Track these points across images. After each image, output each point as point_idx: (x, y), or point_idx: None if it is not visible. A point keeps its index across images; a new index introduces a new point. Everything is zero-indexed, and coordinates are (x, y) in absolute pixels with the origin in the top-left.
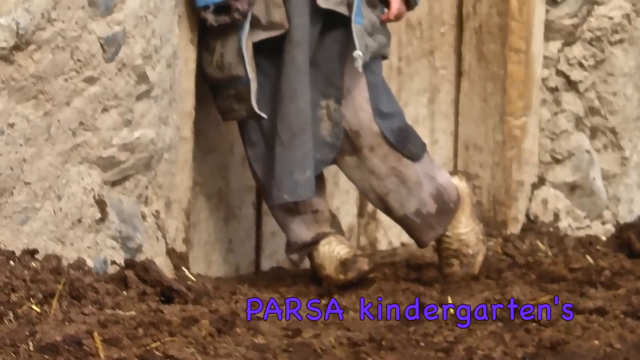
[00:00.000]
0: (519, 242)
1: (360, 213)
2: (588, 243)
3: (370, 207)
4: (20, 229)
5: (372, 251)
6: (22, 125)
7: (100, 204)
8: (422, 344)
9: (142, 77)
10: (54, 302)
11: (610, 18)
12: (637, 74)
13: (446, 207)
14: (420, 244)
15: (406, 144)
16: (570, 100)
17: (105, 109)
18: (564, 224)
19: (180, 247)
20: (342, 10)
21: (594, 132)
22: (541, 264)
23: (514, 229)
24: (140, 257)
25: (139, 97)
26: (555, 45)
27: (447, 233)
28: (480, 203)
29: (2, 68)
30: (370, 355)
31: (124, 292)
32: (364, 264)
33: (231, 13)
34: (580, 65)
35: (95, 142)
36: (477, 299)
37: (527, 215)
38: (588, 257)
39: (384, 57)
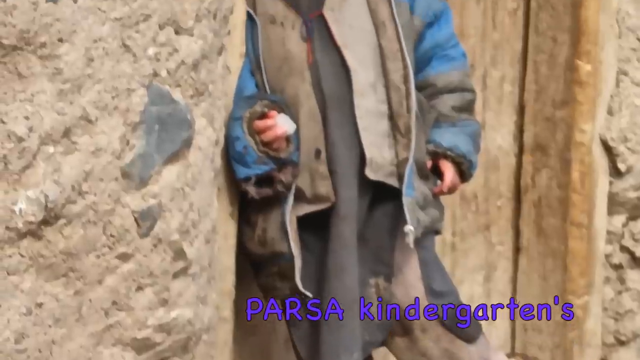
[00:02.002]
0: None
1: None
2: None
3: None
4: None
5: None
6: (51, 304)
7: None
8: None
9: (179, 254)
10: None
11: None
12: None
13: None
14: None
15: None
16: (635, 278)
17: (139, 288)
18: None
19: None
20: (393, 182)
21: None
22: None
23: None
24: None
25: (175, 275)
26: (619, 220)
27: None
28: None
29: (30, 244)
30: None
31: None
32: None
33: (274, 185)
34: None
35: (129, 323)
36: None
37: None
38: None
39: (437, 232)
